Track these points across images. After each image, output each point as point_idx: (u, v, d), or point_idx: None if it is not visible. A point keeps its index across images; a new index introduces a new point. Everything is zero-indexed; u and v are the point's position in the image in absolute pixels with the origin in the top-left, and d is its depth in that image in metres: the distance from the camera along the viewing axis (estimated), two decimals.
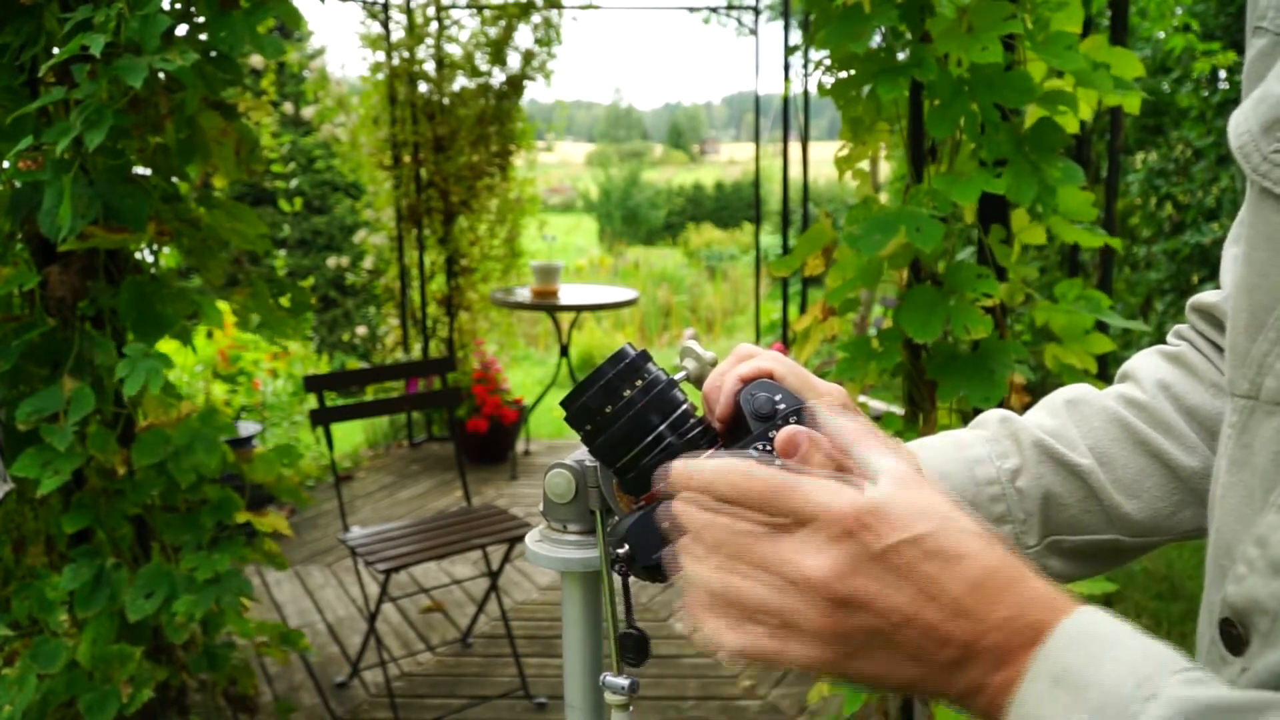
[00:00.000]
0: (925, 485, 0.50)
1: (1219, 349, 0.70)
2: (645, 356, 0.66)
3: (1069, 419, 0.71)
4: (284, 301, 2.20)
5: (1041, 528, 0.69)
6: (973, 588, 0.46)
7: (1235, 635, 0.52)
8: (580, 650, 0.70)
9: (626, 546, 0.63)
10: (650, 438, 0.64)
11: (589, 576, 0.69)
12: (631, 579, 0.65)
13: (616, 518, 0.66)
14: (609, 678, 0.65)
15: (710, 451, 0.64)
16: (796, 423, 0.63)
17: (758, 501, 0.49)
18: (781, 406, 0.64)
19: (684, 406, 0.66)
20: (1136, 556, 0.71)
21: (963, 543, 0.47)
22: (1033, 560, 0.64)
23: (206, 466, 1.98)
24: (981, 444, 0.71)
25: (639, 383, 0.65)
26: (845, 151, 2.06)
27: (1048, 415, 0.73)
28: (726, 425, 0.67)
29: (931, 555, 0.46)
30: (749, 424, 0.64)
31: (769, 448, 0.63)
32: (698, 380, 0.71)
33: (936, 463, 0.70)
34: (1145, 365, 0.74)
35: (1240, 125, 0.52)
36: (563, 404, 0.66)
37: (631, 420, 0.64)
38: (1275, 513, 0.50)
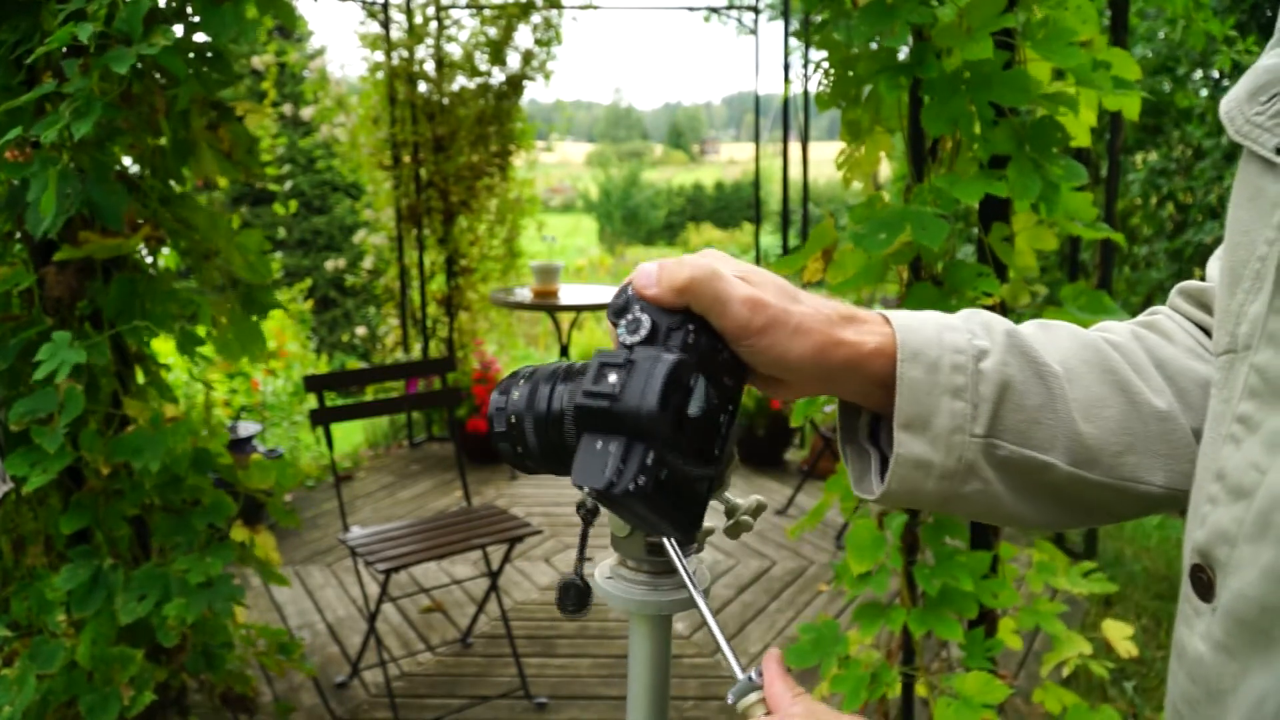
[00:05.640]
0: None
1: (1199, 327, 0.70)
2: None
3: (1040, 332, 0.68)
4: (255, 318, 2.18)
5: (990, 420, 0.62)
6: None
7: (1205, 580, 0.52)
8: (646, 696, 0.67)
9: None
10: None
11: (660, 618, 0.65)
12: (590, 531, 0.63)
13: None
14: None
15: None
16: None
17: None
18: (630, 292, 0.59)
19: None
20: (1058, 504, 0.66)
21: None
22: (966, 461, 0.62)
23: (147, 471, 1.94)
24: (956, 319, 0.66)
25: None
26: (845, 157, 2.05)
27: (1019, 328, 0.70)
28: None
29: None
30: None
31: (627, 331, 0.58)
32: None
33: (907, 319, 0.64)
34: (1118, 324, 0.73)
35: (1230, 95, 0.55)
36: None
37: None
38: (1229, 444, 0.52)
